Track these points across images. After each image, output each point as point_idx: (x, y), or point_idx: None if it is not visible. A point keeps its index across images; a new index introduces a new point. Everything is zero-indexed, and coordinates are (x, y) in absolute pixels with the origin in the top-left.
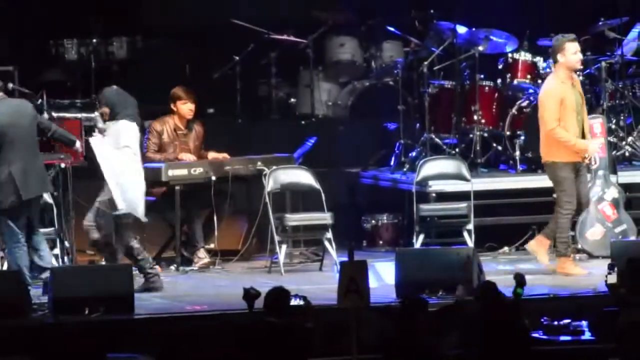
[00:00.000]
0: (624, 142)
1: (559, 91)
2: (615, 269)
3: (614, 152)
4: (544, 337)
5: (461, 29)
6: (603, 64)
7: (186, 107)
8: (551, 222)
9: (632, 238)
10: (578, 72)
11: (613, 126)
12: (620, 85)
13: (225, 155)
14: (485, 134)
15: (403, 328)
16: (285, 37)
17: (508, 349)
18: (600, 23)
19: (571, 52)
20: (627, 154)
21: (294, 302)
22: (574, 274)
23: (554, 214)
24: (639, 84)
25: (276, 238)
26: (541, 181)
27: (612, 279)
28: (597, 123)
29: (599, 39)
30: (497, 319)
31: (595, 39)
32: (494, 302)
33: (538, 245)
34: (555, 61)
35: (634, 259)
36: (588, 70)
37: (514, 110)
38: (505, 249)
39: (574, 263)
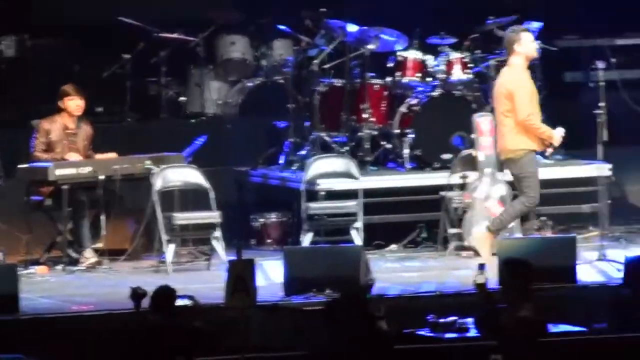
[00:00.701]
0: None
1: (527, 80)
2: (485, 268)
3: None
4: (430, 334)
5: (352, 28)
6: (492, 62)
7: (73, 103)
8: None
9: (519, 235)
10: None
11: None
12: None
13: (114, 154)
14: (375, 132)
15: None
16: (174, 35)
17: (367, 350)
18: (489, 21)
19: (529, 41)
20: None
21: (180, 301)
22: (481, 254)
23: (514, 202)
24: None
25: (164, 237)
26: (429, 179)
27: (481, 279)
28: (485, 121)
29: (487, 37)
30: (353, 320)
31: (484, 37)
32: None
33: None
34: (511, 52)
35: (511, 260)
36: (477, 69)
37: (403, 109)
38: (393, 246)
39: (492, 246)
